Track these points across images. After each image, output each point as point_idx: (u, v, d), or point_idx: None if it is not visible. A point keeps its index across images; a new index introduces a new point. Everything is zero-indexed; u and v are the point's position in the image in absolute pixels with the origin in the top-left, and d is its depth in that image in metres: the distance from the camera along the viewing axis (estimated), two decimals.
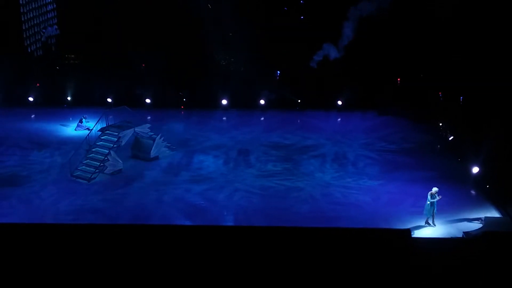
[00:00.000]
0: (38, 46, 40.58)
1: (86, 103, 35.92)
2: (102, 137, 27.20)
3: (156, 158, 27.90)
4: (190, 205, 23.30)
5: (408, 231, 12.46)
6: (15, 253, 13.45)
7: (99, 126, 27.98)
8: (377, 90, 35.34)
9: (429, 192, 20.77)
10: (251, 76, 36.70)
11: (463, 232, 19.97)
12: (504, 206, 21.92)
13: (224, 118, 35.18)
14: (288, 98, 36.80)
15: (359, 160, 27.98)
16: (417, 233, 20.30)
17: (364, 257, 11.52)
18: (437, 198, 20.71)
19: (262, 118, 35.51)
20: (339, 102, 36.16)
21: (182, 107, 37.06)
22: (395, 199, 23.09)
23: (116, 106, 35.56)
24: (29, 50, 40.20)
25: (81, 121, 32.30)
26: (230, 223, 22.30)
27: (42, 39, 40.68)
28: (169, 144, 28.95)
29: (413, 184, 24.40)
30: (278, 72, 39.67)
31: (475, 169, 24.41)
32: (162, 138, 28.46)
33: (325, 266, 11.62)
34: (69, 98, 37.55)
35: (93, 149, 26.77)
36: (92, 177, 25.54)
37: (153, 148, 27.80)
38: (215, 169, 27.04)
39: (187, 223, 21.77)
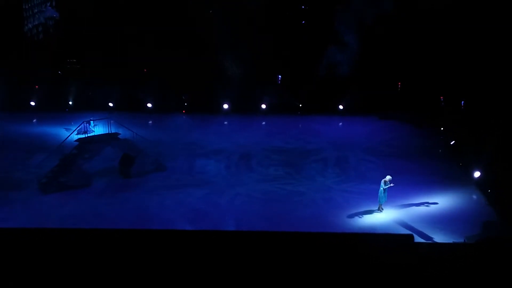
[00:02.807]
0: (38, 29, 40.40)
1: (88, 107, 36.05)
2: (77, 148, 26.25)
3: (138, 176, 26.42)
4: (192, 209, 23.33)
5: (411, 236, 12.46)
6: (17, 258, 13.43)
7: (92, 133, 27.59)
8: (378, 95, 35.38)
9: (383, 180, 22.05)
10: (252, 81, 36.76)
11: (465, 236, 19.97)
12: (505, 211, 21.90)
13: (226, 123, 35.28)
14: (289, 102, 36.86)
15: (360, 164, 28.00)
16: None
17: (366, 262, 11.51)
18: (390, 185, 22.03)
19: (264, 123, 35.56)
20: (340, 107, 36.21)
21: (184, 111, 37.16)
22: (396, 203, 23.09)
23: (120, 110, 35.77)
24: (28, 32, 39.88)
25: (88, 123, 32.11)
26: (232, 228, 22.31)
27: (41, 20, 40.47)
28: (158, 163, 27.41)
29: (414, 188, 24.40)
30: (280, 76, 39.75)
31: (477, 174, 24.41)
32: (149, 156, 27.12)
33: (326, 271, 11.61)
34: (70, 103, 37.71)
35: (65, 159, 25.76)
36: (48, 189, 24.66)
37: (134, 166, 26.61)
38: (217, 174, 27.07)
39: (189, 227, 21.80)
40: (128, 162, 26.84)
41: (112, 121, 28.25)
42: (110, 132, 27.63)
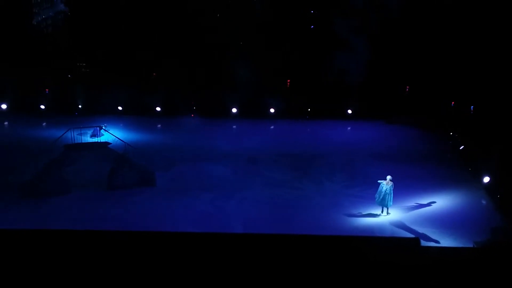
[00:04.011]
0: (47, 22, 40.82)
1: (97, 111, 36.25)
2: (62, 154, 25.88)
3: (120, 188, 25.27)
4: (199, 213, 23.30)
5: (417, 240, 12.41)
6: (25, 259, 13.51)
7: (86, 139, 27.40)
8: (386, 99, 35.32)
9: (387, 181, 21.88)
10: (261, 85, 36.83)
11: (474, 241, 19.80)
12: None
13: (234, 127, 35.34)
14: (298, 106, 36.85)
15: (368, 169, 27.84)
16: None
17: (372, 266, 11.47)
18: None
19: (272, 127, 35.55)
20: (349, 111, 36.15)
21: (192, 115, 37.29)
22: (404, 208, 22.97)
23: (129, 114, 35.86)
24: (36, 25, 40.20)
25: (101, 128, 32.16)
26: (239, 231, 22.26)
27: (50, 14, 40.94)
28: (144, 176, 26.01)
29: (423, 193, 24.28)
30: (288, 81, 39.79)
31: (486, 179, 24.24)
32: (134, 169, 25.96)
33: (333, 274, 11.58)
34: (80, 106, 37.95)
35: (49, 164, 25.39)
36: (25, 194, 24.33)
37: (117, 178, 25.54)
38: (224, 177, 27.04)
39: (195, 230, 21.75)
40: (112, 174, 25.97)
41: (103, 129, 27.84)
42: (100, 140, 27.10)
